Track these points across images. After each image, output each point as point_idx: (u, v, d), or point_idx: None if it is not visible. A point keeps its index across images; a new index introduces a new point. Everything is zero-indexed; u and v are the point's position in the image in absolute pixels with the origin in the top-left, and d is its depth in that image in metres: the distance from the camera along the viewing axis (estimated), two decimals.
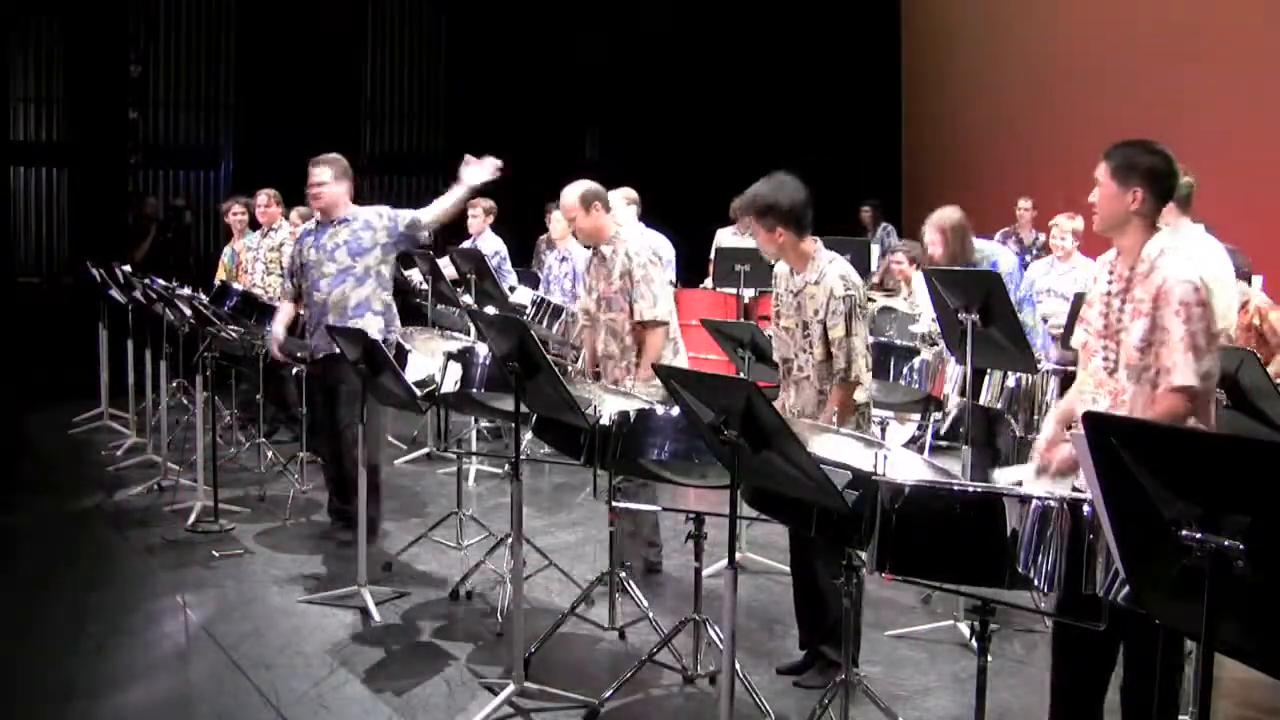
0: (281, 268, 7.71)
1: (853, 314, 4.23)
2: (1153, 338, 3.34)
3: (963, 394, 5.15)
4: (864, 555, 3.10)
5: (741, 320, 8.54)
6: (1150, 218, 3.44)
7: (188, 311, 6.83)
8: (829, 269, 4.28)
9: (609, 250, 5.33)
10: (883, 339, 6.17)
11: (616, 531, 4.97)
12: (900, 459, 3.77)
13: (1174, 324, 3.29)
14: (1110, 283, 3.51)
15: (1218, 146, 9.65)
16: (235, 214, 8.85)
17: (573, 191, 5.38)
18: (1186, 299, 3.29)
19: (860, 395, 4.32)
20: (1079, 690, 3.56)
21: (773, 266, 4.55)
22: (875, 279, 9.92)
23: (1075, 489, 3.22)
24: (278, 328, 6.09)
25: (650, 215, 7.62)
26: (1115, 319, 3.46)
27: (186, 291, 7.26)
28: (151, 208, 11.59)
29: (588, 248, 5.61)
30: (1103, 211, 3.51)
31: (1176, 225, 4.55)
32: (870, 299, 7.49)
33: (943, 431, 6.38)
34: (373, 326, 5.67)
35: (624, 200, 7.43)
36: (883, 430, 5.80)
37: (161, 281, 7.56)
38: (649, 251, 5.31)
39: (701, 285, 10.14)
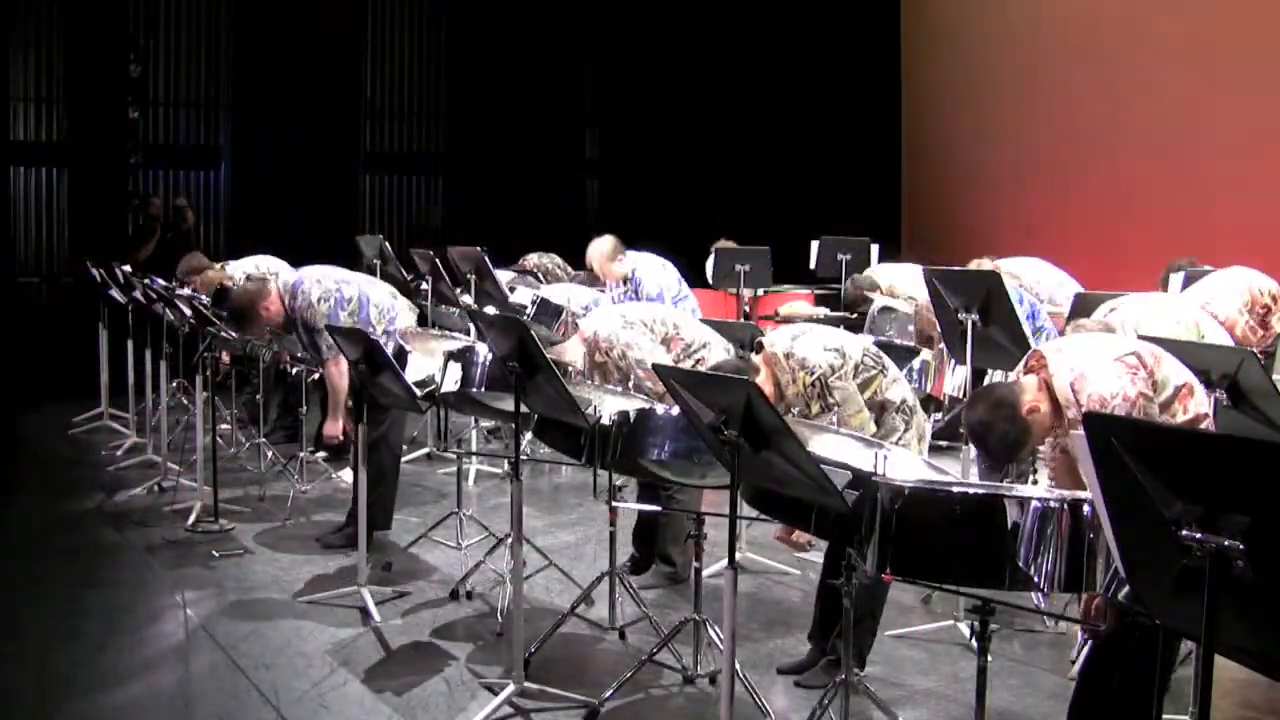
0: None
1: (825, 390, 4.26)
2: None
3: (963, 394, 5.15)
4: (867, 555, 3.09)
5: (742, 320, 8.55)
6: (1040, 391, 3.54)
7: (188, 311, 6.83)
8: (793, 365, 4.32)
9: (600, 358, 5.33)
10: (882, 339, 6.18)
11: (617, 531, 4.98)
12: (900, 459, 3.78)
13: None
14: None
15: (1219, 150, 9.66)
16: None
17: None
18: (1125, 412, 3.39)
19: (895, 395, 4.38)
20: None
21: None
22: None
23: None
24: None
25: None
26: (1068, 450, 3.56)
27: (187, 291, 7.26)
28: (156, 208, 11.61)
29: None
30: (1047, 434, 3.59)
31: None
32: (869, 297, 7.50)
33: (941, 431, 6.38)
34: None
35: (607, 254, 7.36)
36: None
37: (161, 281, 7.57)
38: (619, 336, 5.24)
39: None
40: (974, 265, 7.16)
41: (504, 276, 8.38)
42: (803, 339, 4.41)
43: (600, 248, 7.41)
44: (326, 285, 5.82)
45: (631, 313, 5.46)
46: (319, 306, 5.75)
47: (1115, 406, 3.39)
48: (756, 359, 4.43)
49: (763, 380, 4.30)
